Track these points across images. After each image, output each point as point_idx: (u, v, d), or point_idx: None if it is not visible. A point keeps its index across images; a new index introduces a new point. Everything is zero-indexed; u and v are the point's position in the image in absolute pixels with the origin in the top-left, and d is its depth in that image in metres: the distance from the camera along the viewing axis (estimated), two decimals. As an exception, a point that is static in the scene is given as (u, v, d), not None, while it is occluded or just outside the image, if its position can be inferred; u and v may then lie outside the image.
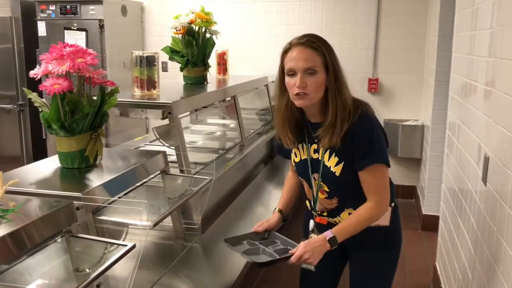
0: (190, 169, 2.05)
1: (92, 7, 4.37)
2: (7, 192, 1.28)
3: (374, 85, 4.62)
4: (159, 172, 1.95)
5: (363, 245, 1.79)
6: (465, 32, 2.63)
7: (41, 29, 4.50)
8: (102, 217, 1.46)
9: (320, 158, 1.71)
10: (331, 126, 1.62)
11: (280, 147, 1.86)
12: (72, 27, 4.40)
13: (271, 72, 2.15)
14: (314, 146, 1.73)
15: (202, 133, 3.13)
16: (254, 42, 4.70)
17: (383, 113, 4.61)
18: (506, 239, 1.61)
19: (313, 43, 1.60)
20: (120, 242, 1.32)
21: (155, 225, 1.43)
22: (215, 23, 2.83)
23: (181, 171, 2.03)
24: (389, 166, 1.69)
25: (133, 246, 1.31)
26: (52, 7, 4.45)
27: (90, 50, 1.65)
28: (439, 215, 3.15)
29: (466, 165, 2.32)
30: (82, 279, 1.26)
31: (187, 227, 2.01)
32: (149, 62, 2.20)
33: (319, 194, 1.77)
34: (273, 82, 1.84)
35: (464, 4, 2.69)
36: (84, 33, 4.39)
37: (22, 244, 1.21)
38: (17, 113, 4.69)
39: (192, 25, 2.76)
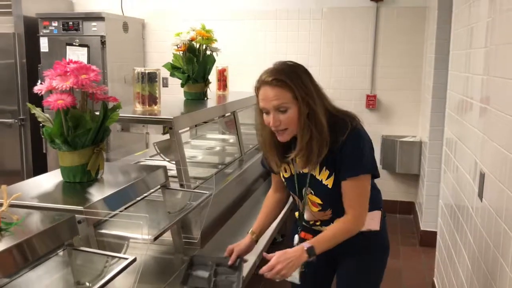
0: (190, 183, 2.08)
1: (94, 23, 4.43)
2: (10, 205, 1.31)
3: (372, 102, 4.66)
4: (159, 186, 1.97)
5: (352, 251, 1.79)
6: (460, 51, 2.68)
7: (44, 44, 4.55)
8: (103, 231, 1.48)
9: (307, 172, 1.72)
10: (304, 151, 1.64)
11: (264, 163, 1.91)
12: (74, 43, 4.46)
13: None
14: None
15: (202, 148, 3.16)
16: (253, 59, 4.76)
17: (381, 129, 4.65)
18: (502, 255, 1.63)
19: (279, 82, 1.58)
20: (121, 255, 1.34)
21: (155, 238, 1.45)
22: (216, 40, 2.89)
23: (181, 185, 2.06)
24: (376, 175, 1.72)
25: (134, 260, 1.33)
26: (55, 23, 4.51)
27: (93, 67, 1.69)
28: (437, 231, 3.17)
29: (463, 181, 2.34)
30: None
31: (187, 241, 2.03)
32: (151, 78, 2.24)
33: (312, 207, 1.78)
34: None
35: (460, 23, 2.75)
36: (86, 49, 4.44)
37: (25, 257, 1.23)
38: (18, 128, 4.71)
39: (193, 42, 2.81)
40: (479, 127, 2.06)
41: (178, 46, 2.80)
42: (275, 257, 1.61)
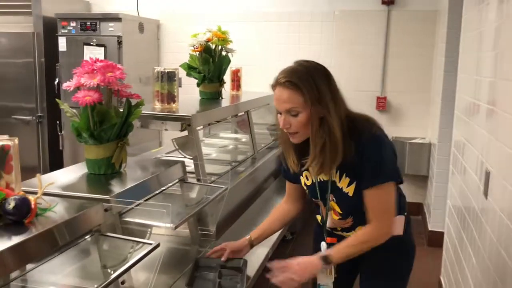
0: (206, 178, 2.17)
1: (111, 24, 4.55)
2: (43, 193, 1.41)
3: (382, 103, 4.73)
4: (177, 180, 2.07)
5: (375, 255, 1.73)
6: (470, 54, 2.75)
7: (62, 44, 4.68)
8: (128, 219, 1.57)
9: (328, 179, 1.70)
10: (317, 161, 1.60)
11: (285, 171, 1.83)
12: (91, 43, 4.58)
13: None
14: None
15: (216, 146, 3.26)
16: (266, 60, 4.85)
17: (391, 130, 4.71)
18: (506, 251, 1.70)
19: (291, 84, 1.56)
20: (145, 241, 1.44)
21: (176, 227, 1.55)
22: (231, 41, 2.98)
23: (198, 180, 2.15)
24: (400, 182, 1.70)
25: (158, 245, 1.42)
26: (73, 24, 4.63)
27: (118, 65, 1.79)
28: (444, 231, 3.23)
29: (469, 181, 2.41)
30: (108, 276, 1.37)
31: (203, 233, 2.12)
32: (170, 77, 2.34)
33: (333, 215, 1.76)
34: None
35: (469, 27, 2.82)
36: (103, 48, 4.56)
37: (57, 241, 1.33)
38: (36, 125, 4.84)
39: (209, 43, 2.90)
40: (486, 128, 2.13)
41: (195, 46, 2.90)
42: (289, 260, 1.60)
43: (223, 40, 2.90)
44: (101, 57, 4.57)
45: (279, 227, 1.97)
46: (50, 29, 4.73)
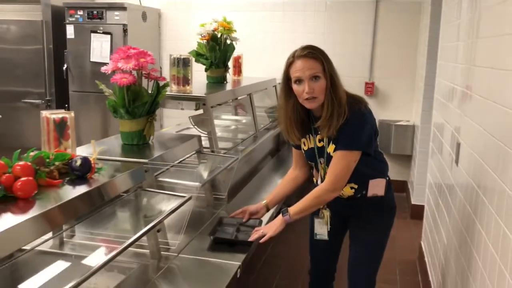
0: (219, 150, 2.51)
1: (116, 12, 4.82)
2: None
3: (370, 89, 5.10)
4: (194, 152, 2.41)
5: (361, 212, 2.12)
6: (448, 43, 3.10)
7: (70, 32, 4.95)
8: (162, 179, 1.91)
9: (324, 146, 2.01)
10: (328, 121, 1.90)
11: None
12: (98, 31, 4.86)
13: (279, 74, 2.56)
14: (319, 136, 2.01)
15: (220, 126, 3.58)
16: (263, 47, 5.16)
17: (378, 114, 5.07)
18: (470, 206, 2.07)
19: (313, 54, 1.89)
20: (179, 194, 1.78)
21: (202, 185, 1.89)
22: (235, 31, 3.30)
23: (212, 151, 2.49)
24: (368, 153, 1.98)
25: (190, 198, 1.77)
26: (80, 12, 4.90)
27: (149, 52, 2.10)
28: (425, 202, 3.62)
29: (445, 154, 2.78)
30: (148, 224, 1.71)
31: (216, 197, 2.46)
32: (185, 62, 2.66)
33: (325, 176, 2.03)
34: (280, 84, 2.11)
35: (448, 19, 3.17)
36: (109, 36, 4.85)
37: (109, 194, 1.66)
38: (45, 108, 5.12)
39: (215, 32, 3.22)
40: (459, 108, 2.49)
41: (202, 35, 3.21)
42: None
43: (228, 29, 3.22)
44: (107, 44, 4.86)
45: (289, 191, 2.26)
46: (58, 17, 4.99)
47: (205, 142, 2.61)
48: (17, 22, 5.02)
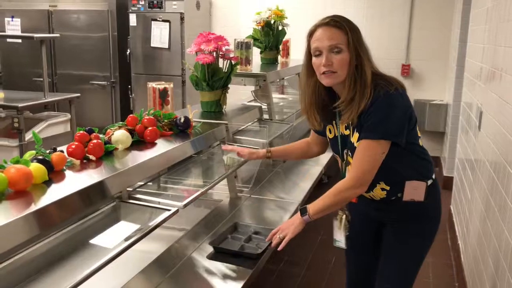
0: (276, 119, 3.02)
1: (174, 2, 5.36)
2: (190, 117, 2.27)
3: (406, 70, 5.48)
4: (257, 119, 2.92)
5: (396, 218, 1.79)
6: (477, 26, 3.48)
7: (132, 20, 5.52)
8: (238, 137, 2.43)
9: (348, 134, 1.72)
10: (349, 103, 1.63)
11: None
12: (158, 19, 5.41)
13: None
14: (344, 123, 1.72)
15: (275, 100, 4.08)
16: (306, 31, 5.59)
17: (413, 94, 5.45)
18: (491, 166, 2.49)
19: (337, 22, 1.61)
20: (253, 146, 2.29)
21: (270, 145, 2.40)
22: (286, 17, 3.77)
23: (271, 119, 3.00)
24: (398, 144, 1.64)
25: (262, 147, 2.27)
26: (142, 2, 5.46)
27: (224, 37, 2.61)
28: (454, 171, 4.02)
29: (471, 123, 3.19)
30: (229, 169, 2.23)
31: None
32: (247, 46, 3.16)
33: (350, 169, 1.74)
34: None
35: (477, 4, 3.54)
36: (168, 24, 5.39)
37: (202, 145, 2.19)
38: (110, 89, 5.74)
39: (268, 19, 3.71)
40: (484, 83, 2.89)
41: (258, 22, 3.70)
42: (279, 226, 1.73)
43: (280, 16, 3.70)
44: (166, 31, 5.41)
45: (296, 155, 2.10)
46: (122, 7, 5.57)
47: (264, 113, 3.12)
48: (85, 11, 5.64)
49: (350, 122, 1.67)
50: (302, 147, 2.03)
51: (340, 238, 1.82)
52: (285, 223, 1.73)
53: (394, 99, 1.61)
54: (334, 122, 1.77)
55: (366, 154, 1.62)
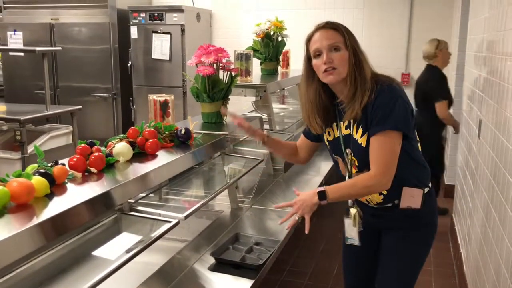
0: (276, 129, 3.03)
1: (175, 14, 5.41)
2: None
3: (406, 79, 5.50)
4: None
5: (394, 226, 1.83)
6: (475, 36, 3.51)
7: (133, 32, 5.57)
8: (239, 148, 2.45)
9: (351, 133, 1.75)
10: (351, 98, 1.68)
11: (307, 132, 1.97)
12: (159, 31, 5.45)
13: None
14: (346, 122, 1.77)
15: (275, 110, 4.10)
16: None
17: (413, 102, 5.47)
18: (489, 171, 2.50)
19: (333, 25, 1.71)
20: (254, 157, 2.31)
21: (271, 156, 2.41)
22: (286, 29, 3.80)
23: (271, 130, 3.01)
24: (408, 134, 1.69)
25: (262, 160, 2.29)
26: (143, 15, 5.51)
27: (224, 49, 2.63)
28: (455, 177, 4.03)
29: (471, 132, 3.21)
30: (231, 179, 2.25)
31: (275, 168, 2.99)
32: (247, 57, 3.18)
33: (353, 169, 1.79)
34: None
35: (475, 14, 3.57)
36: (168, 36, 5.44)
37: (203, 156, 2.21)
38: (111, 101, 5.78)
39: (268, 31, 3.74)
40: (481, 91, 2.91)
41: (257, 33, 3.73)
42: (296, 199, 1.72)
43: (280, 28, 3.73)
44: (167, 43, 5.45)
45: (285, 152, 2.07)
46: (123, 19, 5.62)
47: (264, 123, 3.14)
48: (87, 24, 5.68)
49: (353, 119, 1.71)
50: (293, 148, 2.06)
51: (353, 235, 1.82)
52: (299, 201, 1.71)
53: (397, 92, 1.67)
54: (334, 124, 1.81)
55: (383, 147, 1.65)
